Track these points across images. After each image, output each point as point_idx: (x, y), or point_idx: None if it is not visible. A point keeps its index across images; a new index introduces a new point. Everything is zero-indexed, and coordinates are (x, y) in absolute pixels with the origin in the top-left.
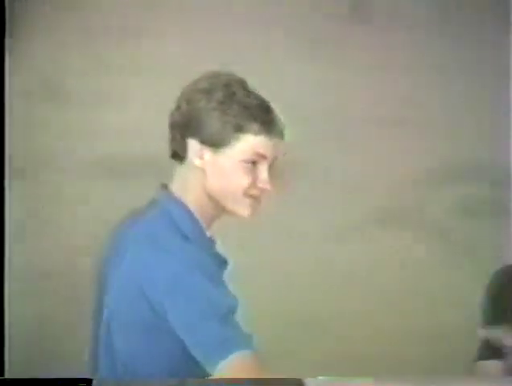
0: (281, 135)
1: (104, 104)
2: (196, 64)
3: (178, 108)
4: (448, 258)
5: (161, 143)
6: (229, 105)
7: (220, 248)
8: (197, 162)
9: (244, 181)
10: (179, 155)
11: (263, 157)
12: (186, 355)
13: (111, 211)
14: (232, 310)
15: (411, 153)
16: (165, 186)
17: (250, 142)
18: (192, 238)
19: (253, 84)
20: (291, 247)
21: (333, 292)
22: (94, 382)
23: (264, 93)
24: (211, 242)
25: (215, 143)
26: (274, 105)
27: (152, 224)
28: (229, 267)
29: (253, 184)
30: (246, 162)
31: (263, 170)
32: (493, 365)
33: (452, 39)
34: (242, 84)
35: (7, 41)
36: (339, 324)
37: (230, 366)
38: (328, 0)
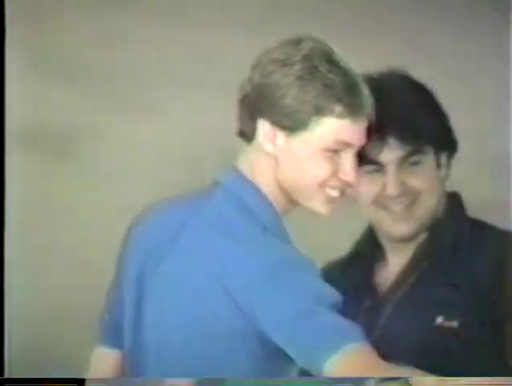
0: (369, 117)
1: None
2: None
3: (249, 79)
4: None
5: None
6: (308, 81)
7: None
8: (268, 146)
9: (322, 172)
10: (246, 134)
11: (348, 144)
12: (271, 357)
13: None
14: (338, 303)
15: None
16: (234, 168)
17: (333, 127)
18: (271, 229)
19: None
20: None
21: None
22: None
23: None
24: (288, 237)
25: (290, 126)
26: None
27: (224, 212)
28: None
29: (334, 175)
30: (327, 150)
31: (347, 159)
32: None
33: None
34: (327, 54)
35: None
36: None
37: (346, 359)
38: None
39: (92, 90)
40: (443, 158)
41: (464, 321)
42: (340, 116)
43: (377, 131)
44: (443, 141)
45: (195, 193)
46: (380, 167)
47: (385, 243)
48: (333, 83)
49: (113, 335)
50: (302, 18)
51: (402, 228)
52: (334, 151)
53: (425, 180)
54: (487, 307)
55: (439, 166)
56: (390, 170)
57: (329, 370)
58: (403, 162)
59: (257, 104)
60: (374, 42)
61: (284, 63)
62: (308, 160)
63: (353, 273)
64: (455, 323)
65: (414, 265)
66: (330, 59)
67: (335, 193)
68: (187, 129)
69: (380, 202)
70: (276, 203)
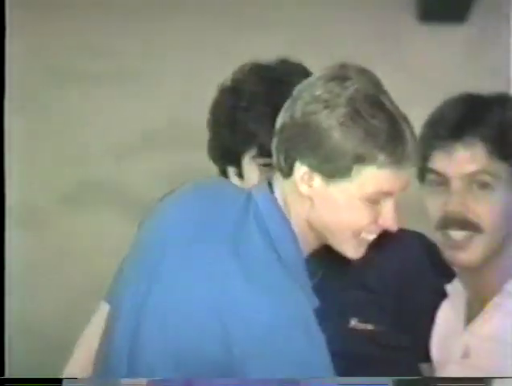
0: (413, 164)
1: None
2: None
3: (291, 114)
4: None
5: None
6: (350, 128)
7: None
8: (303, 188)
9: (360, 220)
10: (282, 169)
11: (389, 193)
12: None
13: None
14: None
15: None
16: (271, 192)
17: (374, 177)
18: (290, 265)
19: None
20: None
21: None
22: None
23: None
24: (307, 277)
25: (328, 173)
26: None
27: (251, 237)
28: None
29: (373, 223)
30: (367, 199)
31: (388, 207)
32: None
33: None
34: (372, 96)
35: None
36: None
37: None
38: None
39: None
40: None
41: (379, 323)
42: (382, 165)
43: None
44: None
45: (224, 194)
46: None
47: None
48: (377, 130)
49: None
50: None
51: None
52: (374, 200)
53: None
54: (400, 310)
55: None
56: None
57: None
58: None
59: (295, 144)
60: None
61: (327, 105)
62: (346, 208)
63: None
64: (369, 326)
65: (318, 260)
66: (375, 102)
67: (370, 237)
68: None
69: None
70: (304, 242)
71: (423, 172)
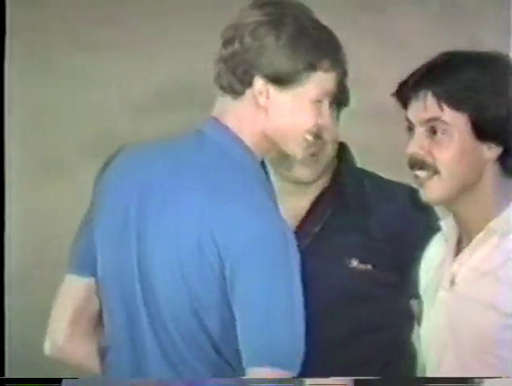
0: (345, 69)
1: None
2: None
3: (240, 40)
4: None
5: None
6: (299, 41)
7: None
8: (262, 100)
9: (311, 120)
10: (234, 90)
11: (329, 94)
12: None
13: None
14: (300, 311)
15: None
16: (216, 120)
17: (321, 80)
18: (256, 179)
19: None
20: None
21: None
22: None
23: None
24: (268, 183)
25: (283, 81)
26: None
27: (213, 169)
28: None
29: (319, 125)
30: (315, 101)
31: (325, 106)
32: None
33: None
34: (310, 13)
35: None
36: None
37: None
38: None
39: None
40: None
41: (377, 264)
42: (327, 70)
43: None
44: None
45: (176, 141)
46: None
47: (279, 185)
48: (320, 40)
49: (84, 263)
50: None
51: (307, 173)
52: (319, 100)
53: (330, 129)
54: (396, 252)
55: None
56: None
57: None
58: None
59: (250, 63)
60: None
61: (276, 25)
62: (298, 111)
63: None
64: (369, 266)
65: (317, 214)
66: (312, 18)
67: (311, 138)
68: None
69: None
70: (258, 150)
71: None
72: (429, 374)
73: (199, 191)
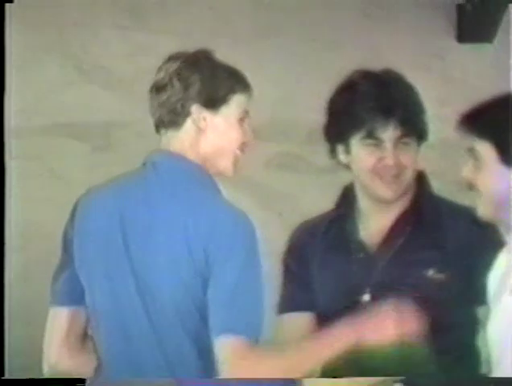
0: (251, 95)
1: None
2: None
3: (171, 85)
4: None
5: None
6: (217, 73)
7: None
8: (202, 124)
9: (241, 136)
10: (176, 123)
11: (247, 112)
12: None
13: None
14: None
15: None
16: (160, 150)
17: (241, 101)
18: (212, 188)
19: None
20: None
21: None
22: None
23: None
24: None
25: (214, 103)
26: None
27: (175, 187)
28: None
29: (243, 140)
30: (240, 119)
31: (247, 124)
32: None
33: None
34: (213, 54)
35: None
36: None
37: (221, 347)
38: None
39: None
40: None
41: (449, 274)
42: (242, 93)
43: (378, 114)
44: (422, 130)
45: (133, 175)
46: (379, 142)
47: (367, 204)
48: (230, 70)
49: (65, 296)
50: None
51: (390, 193)
52: (243, 119)
53: (411, 158)
54: (465, 263)
55: (417, 150)
56: (389, 145)
57: (216, 349)
58: (398, 141)
59: (185, 97)
60: None
61: (194, 65)
62: (229, 129)
63: (339, 229)
64: (442, 276)
65: (400, 229)
66: (215, 58)
67: (239, 153)
68: None
69: (376, 171)
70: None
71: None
72: (491, 373)
73: (175, 207)
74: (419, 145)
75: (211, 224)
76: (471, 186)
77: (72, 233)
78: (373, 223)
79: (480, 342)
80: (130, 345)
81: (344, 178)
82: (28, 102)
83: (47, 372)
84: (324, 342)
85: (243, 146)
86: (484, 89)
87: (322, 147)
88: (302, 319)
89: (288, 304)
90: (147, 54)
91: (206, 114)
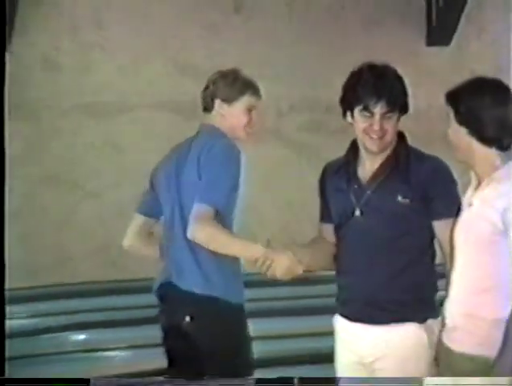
0: (260, 97)
1: None
2: None
3: (207, 87)
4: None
5: None
6: (236, 82)
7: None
8: (222, 111)
9: (246, 119)
10: (207, 109)
11: (253, 107)
12: None
13: None
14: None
15: None
16: (204, 124)
17: (248, 100)
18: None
19: None
20: None
21: None
22: (92, 381)
23: None
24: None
25: (229, 100)
26: None
27: (208, 142)
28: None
29: (249, 122)
30: (247, 110)
31: (254, 115)
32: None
33: None
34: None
35: None
36: None
37: (193, 211)
38: None
39: None
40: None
41: (413, 200)
42: (251, 94)
43: (372, 95)
44: (404, 107)
45: (186, 140)
46: (371, 114)
47: (363, 154)
48: (245, 80)
49: (145, 207)
50: None
51: (375, 147)
52: (249, 110)
53: (392, 126)
54: (425, 194)
55: (398, 119)
56: (377, 116)
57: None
58: (383, 115)
59: (214, 93)
60: None
61: (220, 79)
62: (239, 115)
63: (346, 168)
64: (407, 200)
65: (383, 170)
66: (238, 74)
67: (250, 130)
68: None
69: (367, 132)
70: (232, 136)
71: None
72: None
73: (198, 152)
74: (400, 116)
75: (208, 153)
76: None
77: (155, 173)
78: (367, 166)
79: (434, 244)
80: (171, 248)
81: (350, 137)
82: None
83: (125, 247)
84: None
85: (248, 125)
86: (445, 78)
87: (336, 116)
88: (326, 228)
89: (320, 216)
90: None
91: (224, 106)
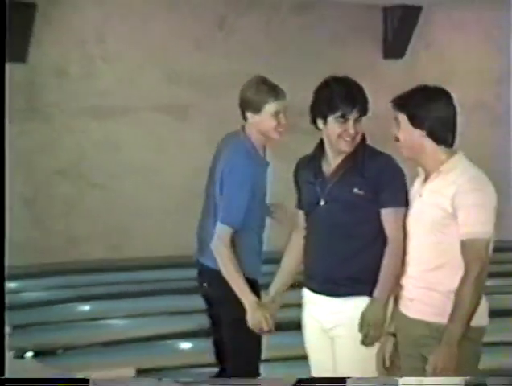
0: (285, 98)
1: None
2: None
3: (240, 101)
4: None
5: None
6: (259, 91)
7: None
8: (251, 120)
9: (274, 123)
10: (244, 117)
11: (279, 112)
12: None
13: None
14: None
15: None
16: (242, 127)
17: (275, 106)
18: (252, 155)
19: None
20: None
21: None
22: (91, 381)
23: None
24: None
25: (256, 110)
26: None
27: (240, 146)
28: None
29: (279, 124)
30: (273, 115)
31: (283, 119)
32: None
33: None
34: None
35: None
36: None
37: (216, 229)
38: None
39: None
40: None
41: (366, 191)
42: (276, 101)
43: (348, 104)
44: (366, 111)
45: (232, 134)
46: (346, 120)
47: (330, 152)
48: (269, 88)
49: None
50: None
51: (348, 148)
52: (276, 115)
53: (360, 128)
54: (376, 186)
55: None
56: (351, 122)
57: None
58: (356, 119)
59: (243, 106)
60: None
61: (248, 88)
62: (268, 120)
63: (313, 164)
64: (362, 192)
65: (343, 166)
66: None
67: (282, 130)
68: None
69: (341, 136)
70: (258, 140)
71: None
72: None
73: (221, 170)
74: (361, 119)
75: (229, 174)
76: (396, 139)
77: (214, 162)
78: (331, 162)
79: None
80: (200, 228)
81: (318, 136)
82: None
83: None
84: None
85: (278, 127)
86: (399, 86)
87: (307, 118)
88: (299, 213)
89: (296, 204)
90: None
91: (254, 116)
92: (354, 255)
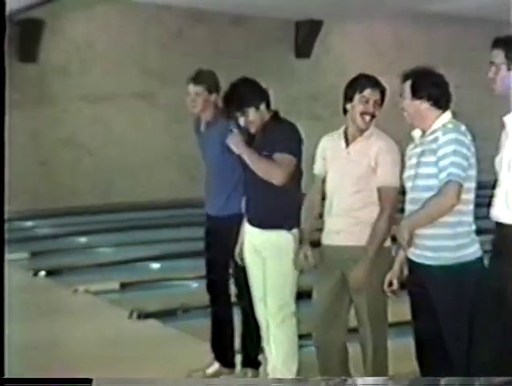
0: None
1: None
2: None
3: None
4: None
5: None
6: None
7: None
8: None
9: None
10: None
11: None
12: None
13: None
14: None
15: None
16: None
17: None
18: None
19: None
20: None
21: None
22: (94, 382)
23: None
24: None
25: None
26: None
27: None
28: None
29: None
30: (261, 112)
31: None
32: None
33: None
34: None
35: None
36: None
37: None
38: None
39: None
40: None
41: (272, 151)
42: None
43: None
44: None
45: None
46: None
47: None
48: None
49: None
50: None
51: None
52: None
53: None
54: (277, 146)
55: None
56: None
57: None
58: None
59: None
60: None
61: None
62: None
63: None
64: (277, 155)
65: (263, 135)
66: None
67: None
68: None
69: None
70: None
71: None
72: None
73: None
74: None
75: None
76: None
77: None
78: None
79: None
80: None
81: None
82: None
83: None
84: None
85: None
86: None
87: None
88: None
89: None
90: None
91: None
92: (274, 199)
